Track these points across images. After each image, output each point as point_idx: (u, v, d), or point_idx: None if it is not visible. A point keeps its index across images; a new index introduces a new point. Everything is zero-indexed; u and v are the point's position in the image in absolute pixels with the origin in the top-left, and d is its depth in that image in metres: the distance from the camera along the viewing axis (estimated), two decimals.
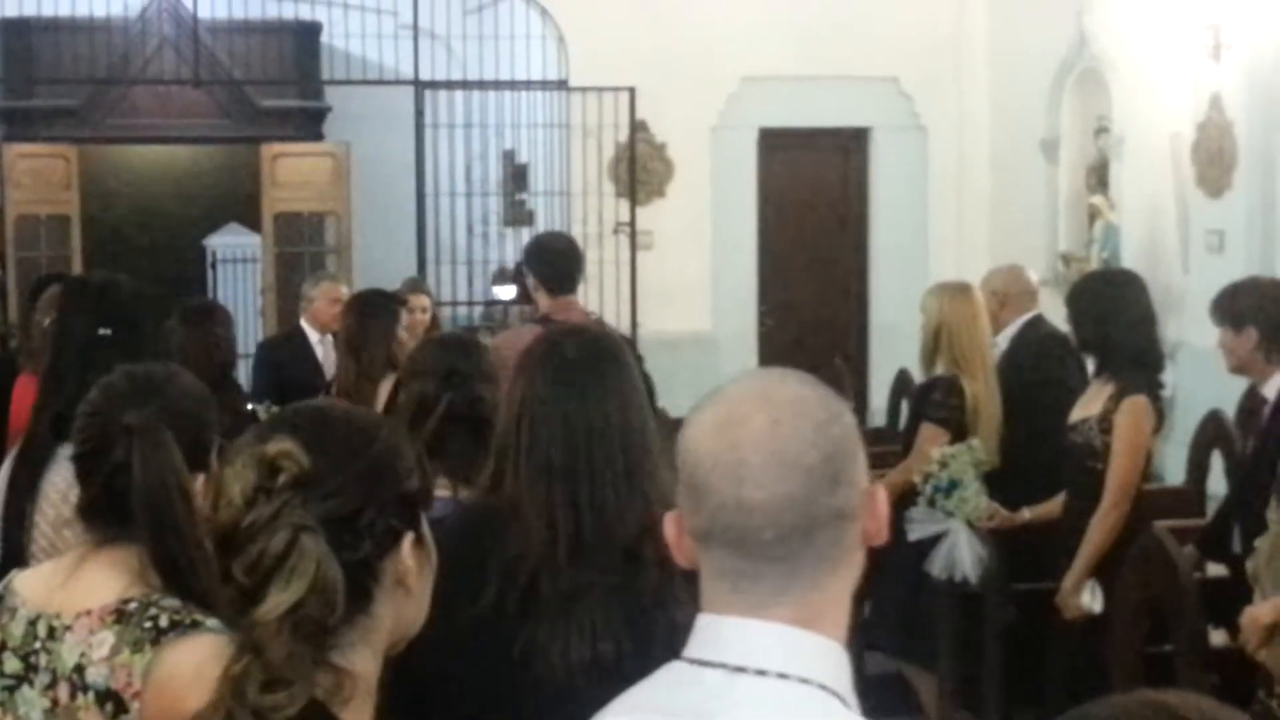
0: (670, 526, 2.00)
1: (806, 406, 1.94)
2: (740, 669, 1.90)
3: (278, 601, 1.99)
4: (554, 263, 6.76)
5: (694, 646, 1.96)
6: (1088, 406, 6.00)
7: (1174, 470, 9.65)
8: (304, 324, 9.16)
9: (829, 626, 1.93)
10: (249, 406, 7.45)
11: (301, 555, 2.01)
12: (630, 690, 2.05)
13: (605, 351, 3.22)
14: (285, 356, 8.93)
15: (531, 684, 2.96)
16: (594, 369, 3.16)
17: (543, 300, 6.73)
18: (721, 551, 1.93)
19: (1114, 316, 5.98)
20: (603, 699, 2.90)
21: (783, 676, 1.88)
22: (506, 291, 9.04)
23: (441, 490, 3.57)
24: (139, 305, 4.59)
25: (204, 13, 15.05)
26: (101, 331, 4.42)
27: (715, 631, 1.94)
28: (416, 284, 10.01)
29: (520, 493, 3.06)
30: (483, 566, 2.99)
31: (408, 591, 2.19)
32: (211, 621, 2.74)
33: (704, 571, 1.96)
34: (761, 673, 1.89)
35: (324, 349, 8.79)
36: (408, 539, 2.17)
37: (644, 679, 2.03)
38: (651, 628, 2.93)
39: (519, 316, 14.53)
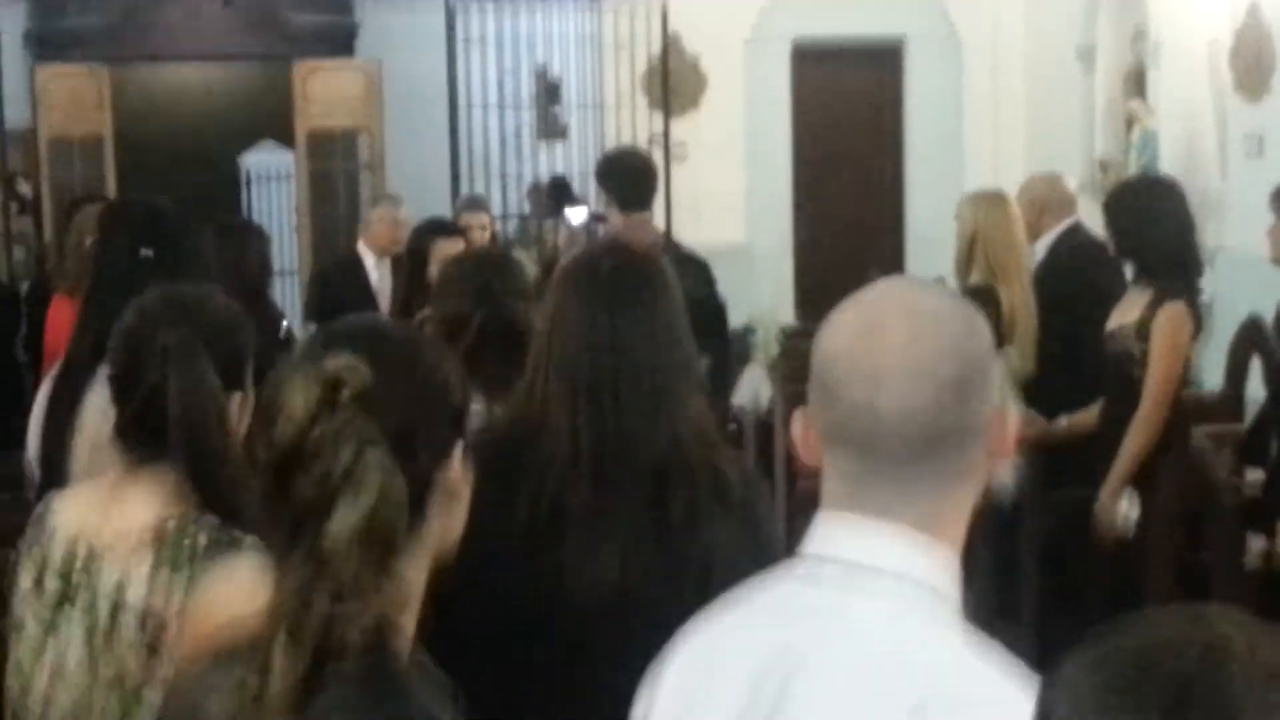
0: (798, 423, 2.02)
1: (946, 319, 1.95)
2: (856, 565, 1.93)
3: (347, 515, 2.00)
4: (626, 179, 6.68)
5: (811, 542, 1.99)
6: (1125, 313, 5.96)
7: (1213, 375, 9.62)
8: (361, 247, 8.99)
9: (946, 536, 1.95)
10: (284, 324, 7.43)
11: (368, 469, 2.01)
12: (740, 587, 2.05)
13: (641, 271, 3.19)
14: (338, 282, 8.82)
15: (560, 601, 2.96)
16: (628, 288, 3.12)
17: (614, 217, 6.68)
18: (847, 453, 1.95)
19: (1151, 223, 5.93)
20: (630, 619, 2.92)
21: (898, 577, 1.91)
22: (577, 214, 8.79)
23: (476, 406, 3.59)
24: (180, 227, 4.60)
25: None
26: (143, 253, 4.43)
27: (834, 529, 1.97)
28: (475, 202, 9.82)
29: (547, 409, 3.05)
30: (512, 483, 2.98)
31: (456, 500, 2.22)
32: (250, 539, 2.75)
33: (826, 470, 1.99)
34: (877, 571, 1.92)
35: (380, 272, 8.69)
36: (457, 448, 2.19)
37: (752, 578, 2.04)
38: (682, 550, 2.92)
39: (553, 231, 14.52)
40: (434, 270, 8.37)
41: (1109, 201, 6.22)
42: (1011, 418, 1.99)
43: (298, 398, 2.07)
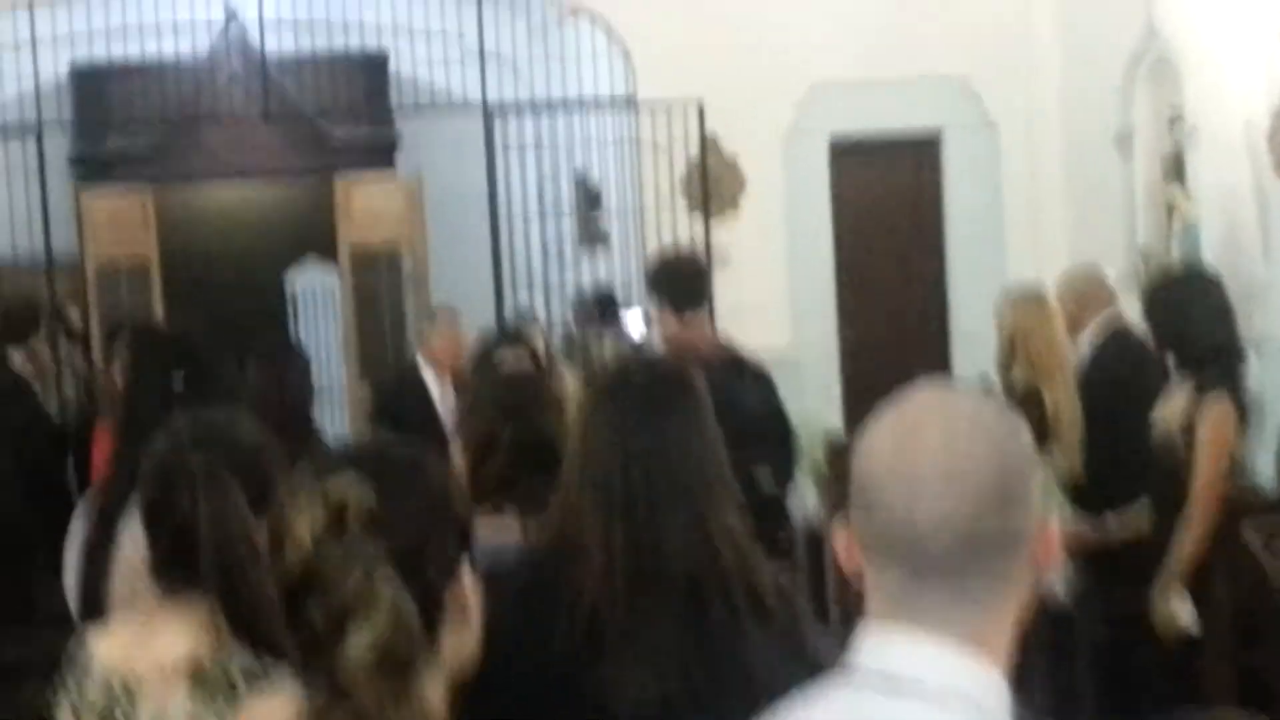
0: (840, 534, 2.01)
1: (985, 424, 1.94)
2: (901, 678, 1.89)
3: (361, 640, 2.00)
4: (678, 279, 6.57)
5: (857, 654, 1.96)
6: (1169, 408, 5.90)
7: (1262, 467, 9.52)
8: (420, 361, 8.78)
9: (992, 648, 1.92)
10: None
11: (378, 592, 2.01)
12: (789, 698, 2.02)
13: (673, 382, 3.19)
14: (397, 401, 8.54)
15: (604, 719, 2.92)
16: (660, 399, 3.12)
17: (669, 322, 6.51)
18: (888, 563, 1.93)
19: (1189, 314, 5.90)
20: None
21: (944, 690, 1.87)
22: (634, 319, 8.58)
23: (511, 524, 3.56)
24: (212, 353, 4.61)
25: (271, 47, 15.14)
26: (175, 382, 4.45)
27: (877, 642, 1.94)
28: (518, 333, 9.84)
29: (581, 526, 3.03)
30: (550, 605, 2.96)
31: (467, 616, 2.20)
32: (283, 673, 2.73)
33: (869, 581, 1.97)
34: (922, 684, 1.88)
35: (441, 387, 8.47)
36: (465, 565, 2.19)
37: (800, 689, 2.01)
38: (721, 662, 2.89)
39: (597, 343, 14.52)
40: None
41: (1147, 294, 6.20)
42: (1054, 527, 1.96)
43: (303, 523, 2.07)
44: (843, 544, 1.99)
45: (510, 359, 6.69)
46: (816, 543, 8.74)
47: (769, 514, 6.04)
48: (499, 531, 3.57)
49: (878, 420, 1.98)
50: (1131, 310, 11.60)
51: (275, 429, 6.85)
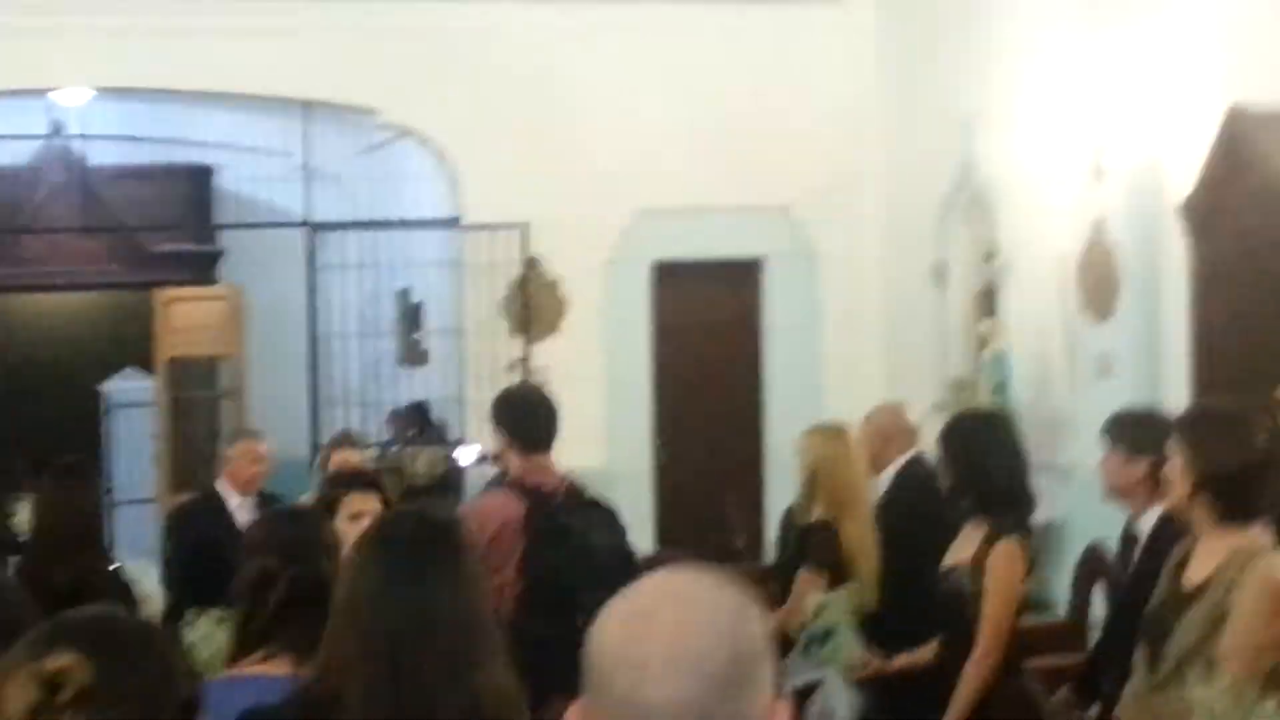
0: (574, 714, 1.98)
1: (717, 609, 1.93)
2: None
3: None
4: (525, 418, 6.30)
5: None
6: (960, 551, 5.97)
7: (1061, 592, 9.67)
8: (221, 483, 8.46)
9: None
10: (111, 568, 7.26)
11: None
12: None
13: (441, 536, 3.16)
14: (199, 523, 8.16)
15: None
16: (427, 554, 3.09)
17: (513, 460, 6.18)
18: None
19: (983, 458, 5.97)
20: None
21: None
22: (468, 454, 8.45)
23: (282, 668, 3.50)
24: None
25: (95, 159, 15.01)
26: None
27: None
28: (340, 440, 9.64)
29: (346, 675, 2.99)
30: None
31: None
32: None
33: None
34: None
35: (244, 513, 8.05)
36: None
37: None
38: None
39: (410, 459, 14.43)
40: (342, 526, 7.87)
41: (942, 436, 6.26)
42: (785, 708, 1.95)
43: (17, 699, 2.01)
44: None
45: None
46: None
47: None
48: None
49: (615, 601, 1.98)
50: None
51: (63, 543, 6.77)
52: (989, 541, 5.82)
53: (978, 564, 5.82)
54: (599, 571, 5.68)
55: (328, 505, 5.62)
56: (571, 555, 5.87)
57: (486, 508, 6.18)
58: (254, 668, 3.57)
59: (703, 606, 1.93)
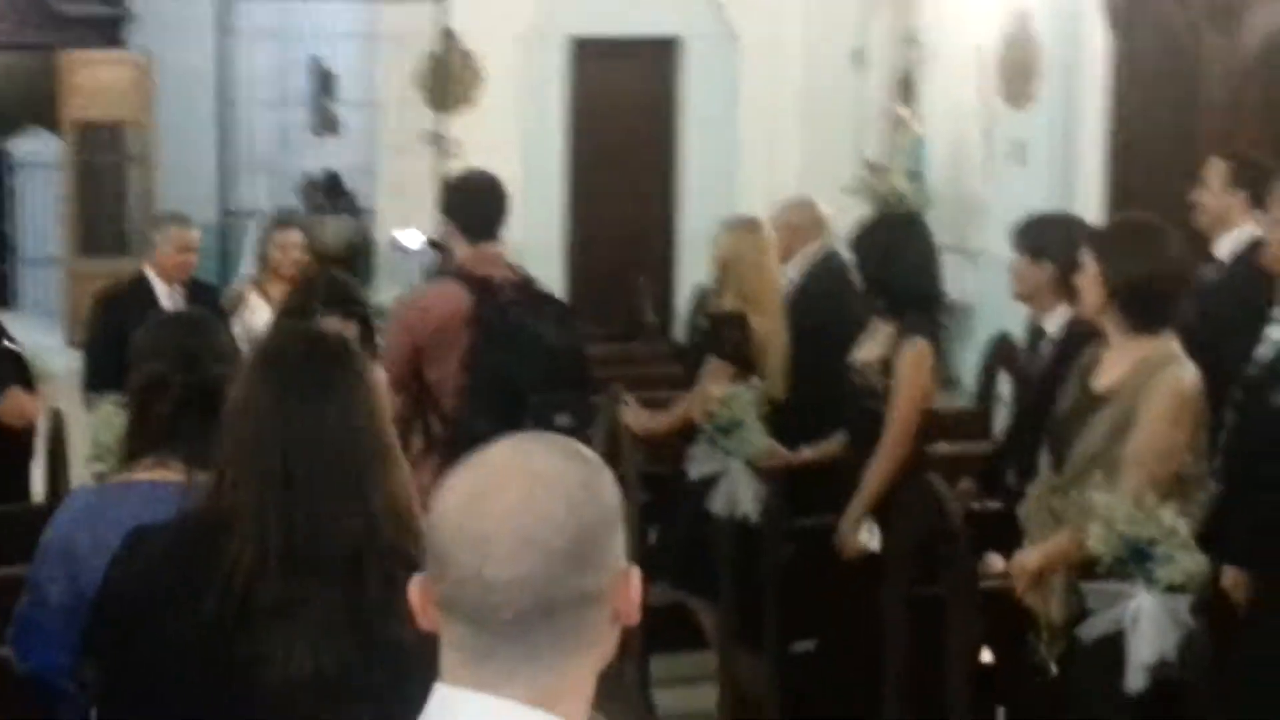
0: (416, 590, 1.95)
1: (563, 483, 1.89)
2: None
3: None
4: (475, 205, 5.88)
5: (426, 717, 1.91)
6: (869, 348, 6.01)
7: (968, 376, 9.79)
8: (148, 272, 8.03)
9: (567, 708, 1.88)
10: (3, 344, 7.12)
11: None
12: None
13: (331, 353, 3.09)
14: (123, 310, 7.53)
15: (252, 696, 2.86)
16: (317, 371, 3.01)
17: (460, 248, 5.86)
18: (460, 624, 1.88)
19: (895, 259, 5.99)
20: (326, 712, 2.85)
21: None
22: (411, 238, 8.18)
23: (174, 474, 3.46)
24: None
25: None
26: None
27: (448, 705, 1.89)
28: (285, 218, 9.33)
29: (237, 497, 2.95)
30: (202, 572, 2.89)
31: None
32: None
33: (443, 641, 1.91)
34: None
35: (173, 302, 7.85)
36: None
37: None
38: (376, 641, 2.85)
39: (321, 227, 14.34)
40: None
41: (856, 237, 6.28)
42: (635, 581, 1.93)
43: None
44: (418, 601, 1.94)
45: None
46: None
47: None
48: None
49: (455, 476, 1.92)
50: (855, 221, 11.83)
51: None
52: (899, 340, 5.86)
53: (887, 362, 5.86)
54: (549, 370, 5.55)
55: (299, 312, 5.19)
56: (520, 352, 5.59)
57: (430, 298, 5.88)
58: (147, 474, 3.52)
59: (548, 481, 1.88)
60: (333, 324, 4.58)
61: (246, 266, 8.30)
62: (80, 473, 6.83)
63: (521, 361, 5.55)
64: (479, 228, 5.81)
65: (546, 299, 5.97)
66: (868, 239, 6.21)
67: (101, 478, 5.75)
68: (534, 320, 5.66)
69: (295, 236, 8.45)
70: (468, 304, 5.64)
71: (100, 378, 7.13)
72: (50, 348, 8.32)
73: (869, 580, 5.69)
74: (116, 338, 7.32)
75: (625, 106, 14.98)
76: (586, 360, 5.98)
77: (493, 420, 5.13)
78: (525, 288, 5.87)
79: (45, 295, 16.66)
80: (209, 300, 7.95)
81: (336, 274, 5.66)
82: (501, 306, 5.65)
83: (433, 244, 6.47)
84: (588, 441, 5.81)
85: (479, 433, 4.81)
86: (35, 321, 13.79)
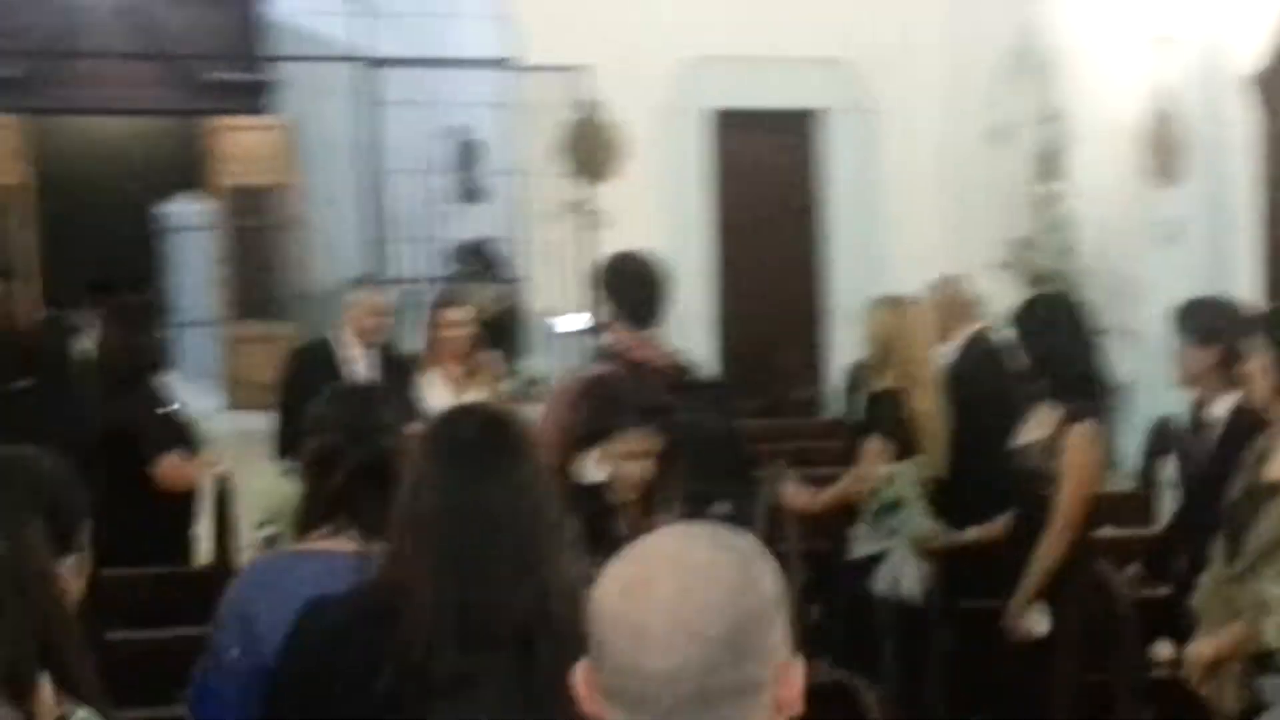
0: (579, 676, 1.98)
1: (718, 572, 1.91)
2: None
3: None
4: (636, 289, 5.77)
5: None
6: (1035, 430, 5.97)
7: (1128, 461, 9.70)
8: (342, 333, 7.98)
9: None
10: (170, 409, 7.25)
11: None
12: None
13: (502, 433, 3.15)
14: (307, 370, 7.64)
15: None
16: (488, 451, 3.07)
17: (621, 334, 5.72)
18: (622, 712, 1.91)
19: (1059, 339, 5.96)
20: None
21: None
22: (573, 323, 7.80)
23: (349, 545, 3.53)
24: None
25: None
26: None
27: None
28: (452, 295, 8.88)
29: (410, 574, 3.00)
30: (377, 651, 2.94)
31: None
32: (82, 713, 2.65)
33: None
34: None
35: (364, 366, 7.82)
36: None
37: None
38: (552, 711, 2.89)
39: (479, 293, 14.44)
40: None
41: (1017, 317, 6.25)
42: (797, 672, 1.95)
43: None
44: (582, 687, 1.97)
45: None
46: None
47: None
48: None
49: (612, 567, 1.96)
50: (1003, 299, 11.78)
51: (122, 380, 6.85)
52: (1066, 422, 5.83)
53: (1053, 444, 5.83)
54: (706, 457, 5.30)
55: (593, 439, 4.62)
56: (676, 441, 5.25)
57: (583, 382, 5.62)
58: (321, 543, 3.59)
59: (704, 571, 1.90)
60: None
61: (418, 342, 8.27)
62: (247, 536, 6.96)
63: (679, 451, 5.16)
64: (642, 312, 5.74)
65: (705, 383, 5.92)
66: (1029, 318, 6.18)
67: (270, 542, 5.89)
68: (691, 404, 5.42)
69: (458, 314, 8.14)
70: None
71: (288, 439, 7.00)
72: (210, 411, 8.42)
73: (1036, 664, 5.67)
74: (298, 397, 7.25)
75: (768, 178, 15.03)
76: (745, 446, 5.86)
77: None
78: (683, 372, 5.79)
79: (202, 358, 16.92)
80: (401, 369, 7.88)
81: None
82: (654, 388, 5.34)
83: (597, 328, 6.23)
84: (749, 529, 5.67)
85: None
86: (194, 384, 14.01)
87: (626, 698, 1.89)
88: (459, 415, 3.25)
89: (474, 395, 7.32)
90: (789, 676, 1.94)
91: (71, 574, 2.91)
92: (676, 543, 1.97)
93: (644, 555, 1.95)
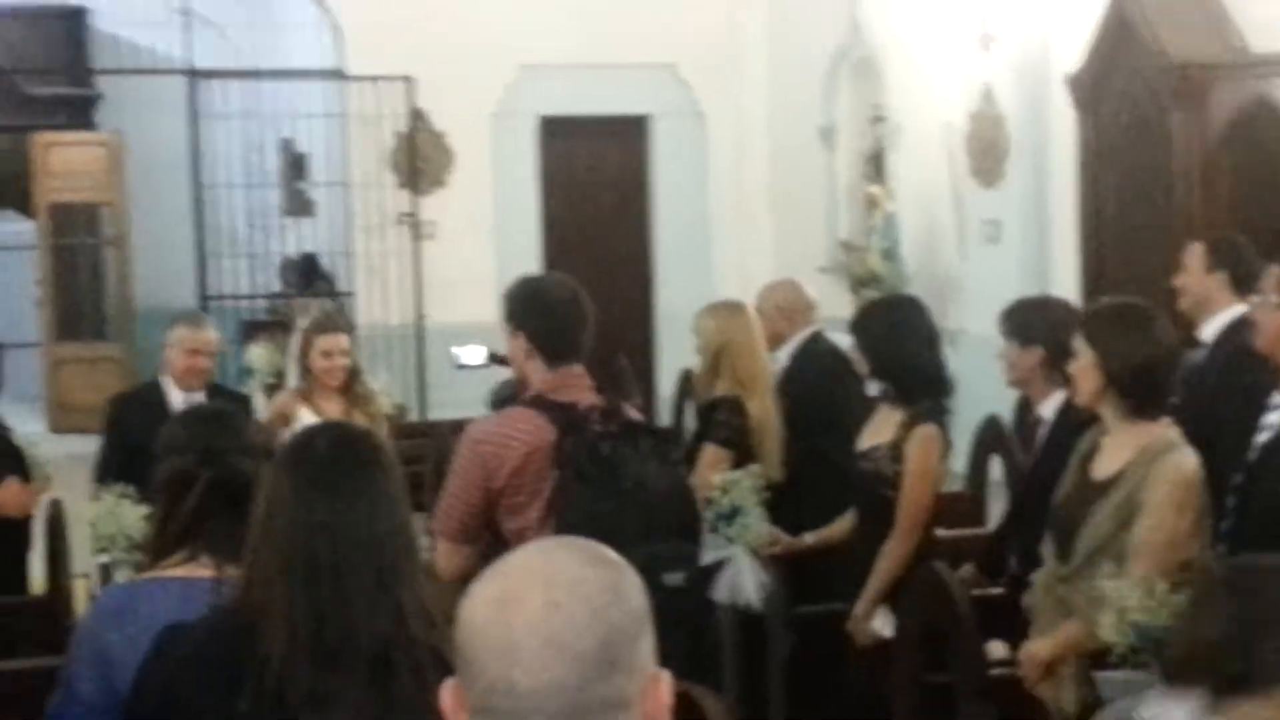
0: (448, 695, 1.99)
1: (587, 589, 1.92)
2: None
3: None
4: (553, 320, 4.98)
5: None
6: (878, 433, 6.03)
7: (957, 460, 9.84)
8: (161, 379, 7.37)
9: None
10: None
11: None
12: None
13: (359, 449, 3.15)
14: (134, 421, 6.92)
15: None
16: (345, 469, 3.08)
17: (535, 372, 4.95)
18: None
19: (902, 343, 6.02)
20: None
21: None
22: (471, 355, 7.47)
23: (204, 570, 3.51)
24: None
25: None
26: None
27: None
28: (327, 321, 7.73)
29: (267, 593, 3.01)
30: (234, 674, 2.94)
31: None
32: None
33: None
34: None
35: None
36: None
37: None
38: None
39: (302, 312, 14.33)
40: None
41: (858, 322, 6.31)
42: (665, 685, 1.97)
43: None
44: (450, 706, 1.98)
45: None
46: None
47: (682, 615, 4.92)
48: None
49: (481, 583, 1.96)
50: (835, 299, 11.93)
51: None
52: (908, 425, 5.91)
53: (896, 448, 5.91)
54: (653, 518, 4.76)
55: None
56: (619, 497, 4.72)
57: (507, 431, 4.88)
58: (176, 570, 3.56)
59: (571, 587, 1.92)
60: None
61: (291, 378, 7.78)
62: (81, 563, 6.86)
63: (621, 509, 4.70)
64: (560, 346, 4.95)
65: (642, 429, 5.09)
66: (871, 323, 6.23)
67: (108, 569, 5.82)
68: (633, 456, 4.81)
69: (341, 342, 7.34)
70: (550, 437, 4.81)
71: (107, 471, 6.78)
72: (33, 435, 8.29)
73: (878, 667, 5.75)
74: (124, 447, 6.84)
75: (597, 185, 15.12)
76: (695, 504, 5.29)
77: None
78: (614, 415, 4.95)
79: (24, 381, 16.62)
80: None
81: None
82: (592, 441, 4.78)
83: (495, 359, 5.29)
84: (706, 602, 5.37)
85: None
86: (16, 408, 13.79)
87: (497, 715, 1.90)
88: (314, 433, 3.25)
89: None
90: (657, 690, 1.96)
91: None
92: (544, 558, 1.98)
93: (512, 571, 1.96)
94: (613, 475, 4.75)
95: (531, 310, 5.01)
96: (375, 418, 7.15)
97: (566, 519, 4.66)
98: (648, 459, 4.84)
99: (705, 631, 6.29)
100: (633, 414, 5.09)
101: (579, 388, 4.94)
